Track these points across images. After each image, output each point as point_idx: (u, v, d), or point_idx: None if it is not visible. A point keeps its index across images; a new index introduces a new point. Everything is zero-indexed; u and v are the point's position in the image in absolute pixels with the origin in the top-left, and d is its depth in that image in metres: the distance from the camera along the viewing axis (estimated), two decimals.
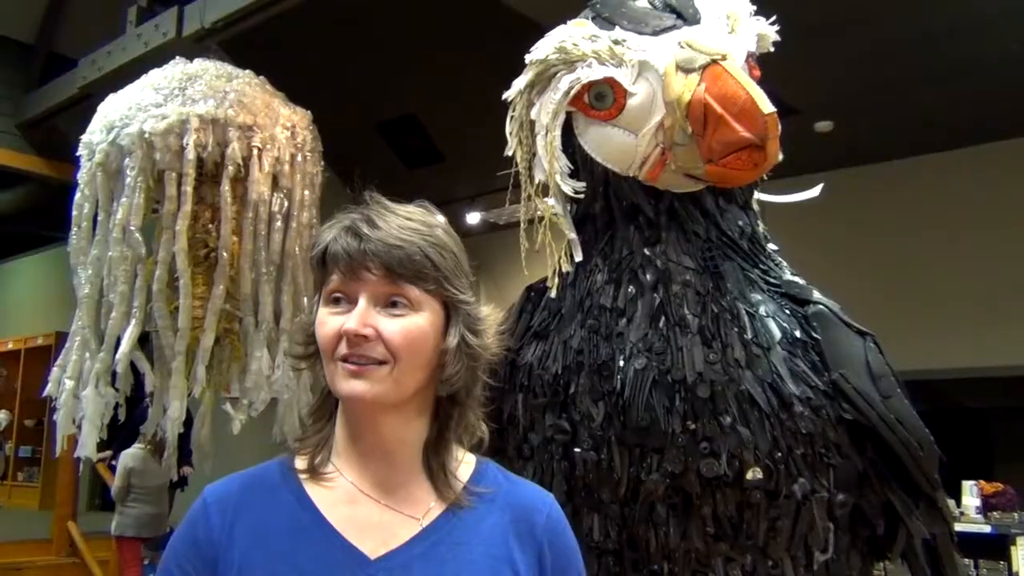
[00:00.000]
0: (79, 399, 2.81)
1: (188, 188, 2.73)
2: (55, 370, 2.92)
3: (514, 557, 1.01)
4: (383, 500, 1.02)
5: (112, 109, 2.85)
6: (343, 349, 0.98)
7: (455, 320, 1.03)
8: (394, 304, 0.99)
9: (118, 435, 5.25)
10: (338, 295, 1.00)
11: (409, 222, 1.01)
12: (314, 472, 1.03)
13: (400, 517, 1.01)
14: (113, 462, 5.84)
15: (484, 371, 1.07)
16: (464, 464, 1.09)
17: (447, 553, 0.99)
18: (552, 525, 1.06)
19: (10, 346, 9.71)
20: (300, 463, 1.05)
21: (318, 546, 0.98)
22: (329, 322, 1.00)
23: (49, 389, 2.92)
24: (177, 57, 3.04)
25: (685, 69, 1.40)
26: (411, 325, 0.99)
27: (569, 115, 1.54)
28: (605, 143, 1.51)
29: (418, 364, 1.00)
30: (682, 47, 1.42)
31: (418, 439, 1.05)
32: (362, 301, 0.98)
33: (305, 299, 2.85)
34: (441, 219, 1.07)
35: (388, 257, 0.98)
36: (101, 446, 2.99)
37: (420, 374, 1.01)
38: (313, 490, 1.02)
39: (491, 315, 1.09)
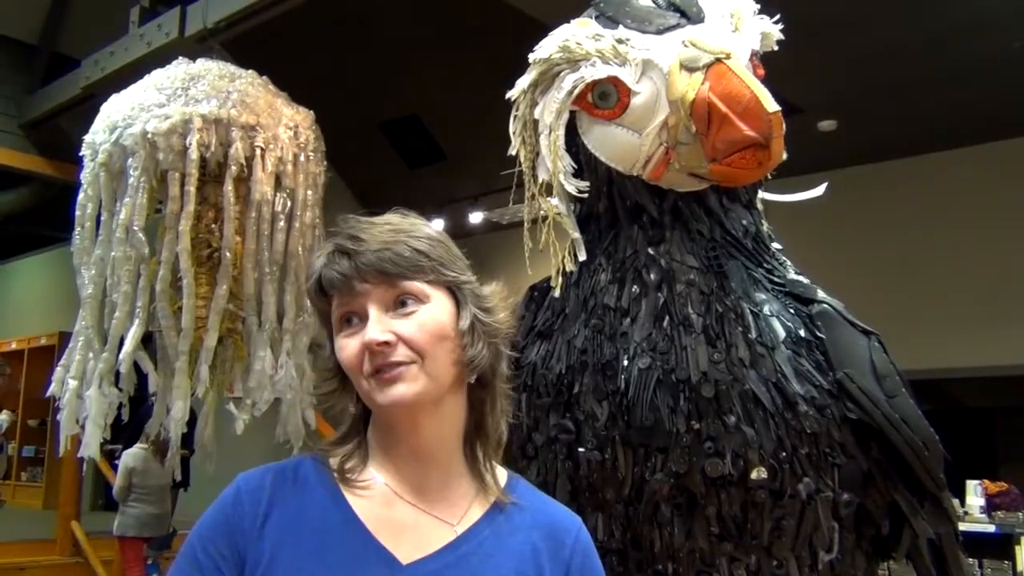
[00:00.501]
0: (83, 399, 2.81)
1: (191, 188, 2.73)
2: (59, 370, 2.92)
3: (543, 574, 1.01)
4: (420, 503, 1.01)
5: (115, 109, 2.85)
6: (369, 364, 0.98)
7: (464, 302, 1.03)
8: (403, 304, 0.99)
9: (121, 435, 5.25)
10: (348, 316, 1.00)
11: (389, 226, 1.02)
12: (347, 473, 1.03)
13: (435, 522, 1.01)
14: (116, 460, 5.84)
15: (506, 346, 1.08)
16: (499, 470, 1.09)
17: (478, 565, 0.99)
18: (581, 548, 1.06)
19: (14, 346, 9.74)
20: (333, 462, 1.05)
21: (349, 546, 0.97)
22: (349, 344, 0.99)
23: (53, 389, 2.93)
24: (180, 57, 3.05)
25: (689, 68, 1.40)
26: (426, 318, 0.99)
27: (573, 114, 1.53)
28: (609, 142, 1.51)
29: (445, 355, 1.00)
30: (686, 46, 1.42)
31: (456, 434, 1.05)
32: (372, 311, 0.98)
33: (308, 301, 2.85)
34: (420, 219, 1.07)
35: (380, 262, 0.98)
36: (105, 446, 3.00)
37: (449, 364, 1.00)
38: (347, 489, 1.02)
39: (496, 291, 1.09)
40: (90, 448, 2.80)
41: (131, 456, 5.56)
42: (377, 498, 1.01)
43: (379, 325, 0.97)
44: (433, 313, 1.00)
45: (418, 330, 0.98)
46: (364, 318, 0.99)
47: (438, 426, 1.02)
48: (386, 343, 0.97)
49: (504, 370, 1.08)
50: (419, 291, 1.00)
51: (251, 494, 1.00)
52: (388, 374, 0.97)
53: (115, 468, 5.81)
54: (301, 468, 1.05)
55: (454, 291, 1.03)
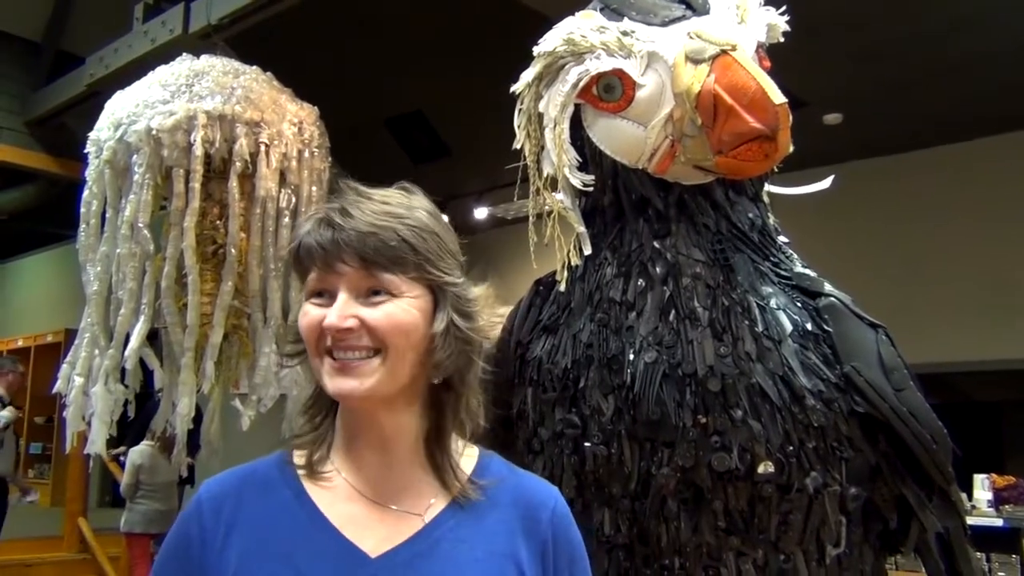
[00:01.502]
0: (88, 396, 2.82)
1: (196, 184, 2.74)
2: (64, 367, 2.93)
3: (518, 553, 0.99)
4: (384, 497, 1.00)
5: (119, 106, 2.86)
6: (327, 342, 0.95)
7: (443, 303, 0.99)
8: (376, 293, 0.96)
9: (128, 431, 5.26)
10: (318, 290, 0.98)
11: (386, 206, 0.98)
12: (313, 470, 1.01)
13: (402, 514, 0.99)
14: (122, 458, 5.86)
15: (478, 355, 1.04)
16: (466, 457, 1.06)
17: (450, 550, 0.97)
18: (557, 520, 1.04)
19: (20, 343, 9.77)
20: (298, 459, 1.03)
21: (317, 545, 0.96)
22: (310, 313, 0.97)
23: (59, 386, 2.94)
24: (184, 54, 3.05)
25: (695, 60, 1.39)
26: (396, 311, 0.96)
27: (577, 107, 1.53)
28: (614, 135, 1.50)
29: (408, 352, 0.97)
30: (691, 38, 1.41)
31: (417, 432, 1.02)
32: (342, 294, 0.95)
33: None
34: (423, 200, 1.03)
35: (362, 246, 0.95)
36: (112, 442, 3.00)
37: (411, 363, 0.98)
38: (312, 487, 1.00)
39: (484, 297, 1.06)
40: (96, 445, 2.80)
41: (138, 453, 5.58)
42: (342, 494, 0.99)
43: (343, 309, 0.94)
44: (405, 307, 0.96)
45: (385, 320, 0.95)
46: (334, 296, 0.96)
47: (396, 422, 1.00)
48: (347, 330, 0.94)
49: (473, 378, 1.04)
50: (395, 285, 0.96)
51: (212, 502, 0.99)
52: (342, 362, 0.95)
53: (121, 466, 5.83)
54: (265, 469, 1.03)
55: (435, 290, 1.00)
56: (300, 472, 1.01)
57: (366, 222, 0.96)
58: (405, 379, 0.98)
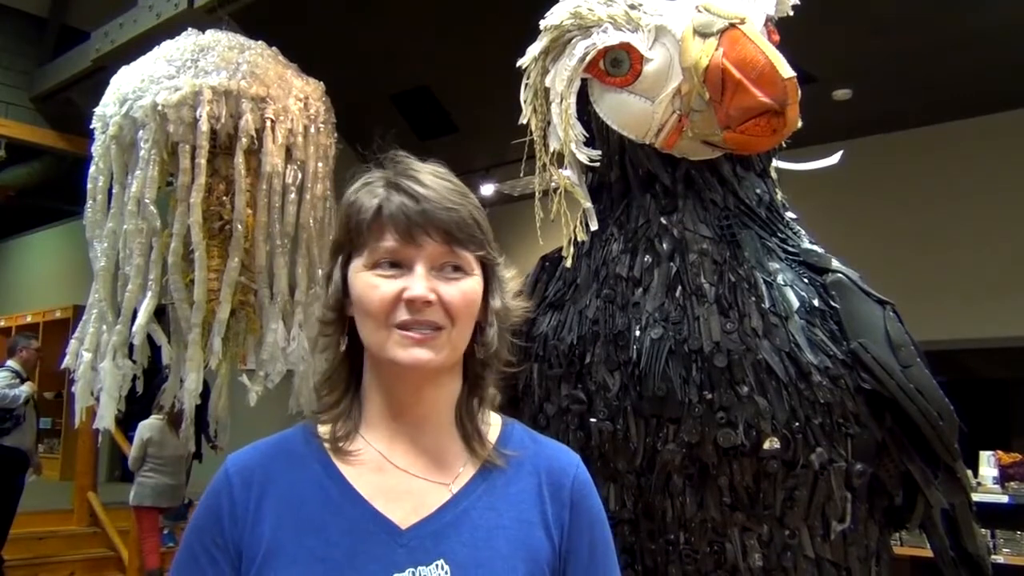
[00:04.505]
0: (97, 371, 2.83)
1: (202, 160, 2.73)
2: (73, 343, 2.94)
3: (546, 520, 1.01)
4: (412, 467, 1.00)
5: (125, 81, 2.85)
6: (402, 315, 0.95)
7: (494, 282, 1.03)
8: (452, 269, 0.98)
9: (135, 407, 5.29)
10: (391, 259, 0.97)
11: (450, 185, 1.00)
12: (339, 442, 1.01)
13: (430, 485, 1.00)
14: (130, 432, 5.89)
15: (509, 332, 1.07)
16: (490, 426, 1.08)
17: (478, 519, 0.98)
18: (579, 486, 1.05)
19: (29, 319, 9.82)
20: (324, 432, 1.03)
21: (348, 517, 0.96)
22: (383, 286, 0.96)
23: (67, 361, 2.95)
24: (189, 29, 3.03)
25: (703, 33, 1.38)
26: (468, 289, 0.98)
27: (584, 82, 1.52)
28: (621, 110, 1.49)
29: (470, 327, 1.00)
30: (699, 11, 1.39)
31: (451, 401, 1.04)
32: (420, 267, 0.96)
33: (320, 271, 2.85)
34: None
35: (448, 222, 0.96)
36: (123, 417, 3.02)
37: (468, 338, 1.01)
38: (339, 460, 1.01)
39: (512, 278, 1.09)
40: (105, 420, 2.82)
41: (147, 427, 5.60)
42: (370, 465, 1.00)
43: (426, 282, 0.95)
44: (474, 285, 0.99)
45: (460, 297, 0.97)
46: (407, 268, 0.96)
47: (436, 393, 1.02)
48: (428, 302, 0.95)
49: (504, 354, 1.07)
50: (468, 261, 0.99)
51: (240, 476, 0.99)
52: (418, 334, 0.95)
53: (130, 439, 5.86)
54: (292, 442, 1.04)
55: (487, 268, 1.03)
56: (326, 445, 1.02)
57: (446, 198, 0.97)
58: (461, 353, 1.01)
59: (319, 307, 1.08)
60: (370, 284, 0.97)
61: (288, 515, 0.96)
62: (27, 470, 5.96)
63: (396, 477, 1.00)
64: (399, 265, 0.97)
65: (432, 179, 0.99)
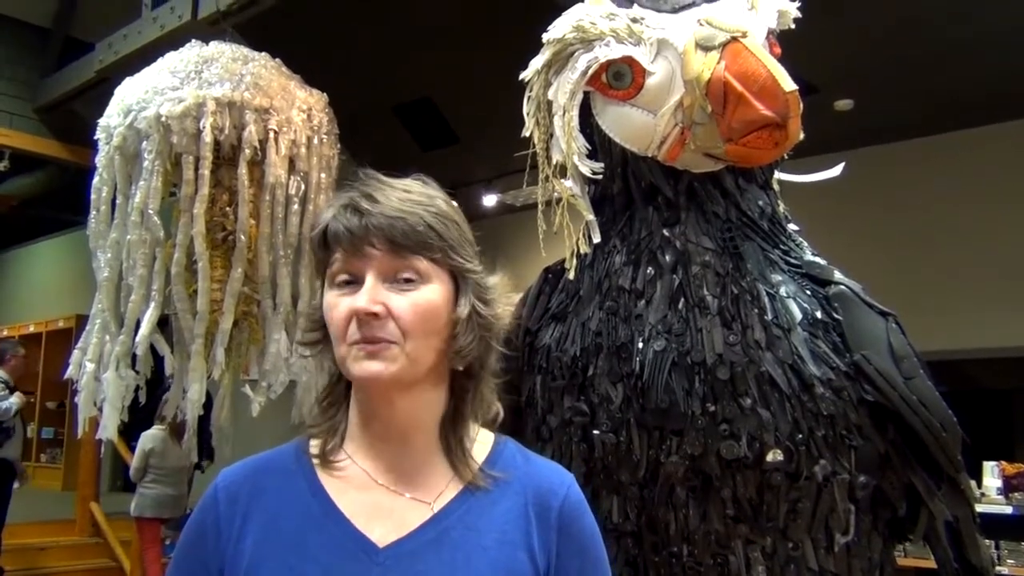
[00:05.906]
0: (100, 381, 2.84)
1: (205, 171, 2.74)
2: (76, 353, 2.95)
3: (530, 542, 0.98)
4: (395, 485, 1.00)
5: (129, 92, 2.86)
6: (353, 331, 0.95)
7: (464, 290, 1.00)
8: (404, 280, 0.96)
9: (138, 417, 5.28)
10: (345, 276, 0.97)
11: (408, 194, 0.99)
12: (326, 459, 1.01)
13: (411, 503, 0.99)
14: (132, 442, 5.89)
15: (497, 341, 1.05)
16: (480, 443, 1.06)
17: (459, 539, 0.96)
18: (569, 509, 1.03)
19: (31, 329, 9.83)
20: (314, 448, 1.03)
21: (329, 535, 0.96)
22: (340, 304, 0.96)
23: (70, 371, 2.95)
24: (193, 40, 3.04)
25: (704, 47, 1.38)
26: (421, 299, 0.96)
27: (587, 95, 1.52)
28: (623, 123, 1.49)
29: (431, 338, 0.97)
30: (701, 24, 1.40)
31: (434, 417, 1.02)
32: (369, 278, 0.95)
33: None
34: (440, 191, 1.04)
35: (391, 230, 0.95)
36: (124, 428, 3.02)
37: (434, 349, 0.98)
38: (325, 477, 1.00)
39: (500, 284, 1.06)
40: (108, 430, 2.82)
41: (148, 437, 5.60)
42: (354, 483, 1.00)
43: (372, 294, 0.94)
44: (429, 295, 0.97)
45: (410, 309, 0.95)
46: (360, 282, 0.96)
47: (413, 407, 1.00)
48: (374, 314, 0.94)
49: (492, 364, 1.05)
50: (422, 269, 0.97)
51: (228, 491, 1.00)
52: (370, 346, 0.95)
53: (132, 449, 5.86)
54: (284, 458, 1.04)
55: (456, 276, 1.00)
56: (315, 461, 1.02)
57: (393, 207, 0.96)
58: (426, 366, 0.98)
59: (298, 331, 1.08)
60: (330, 303, 0.98)
61: (271, 531, 0.97)
62: (15, 480, 5.93)
63: (379, 495, 0.99)
64: (353, 281, 0.97)
65: (390, 191, 0.98)
